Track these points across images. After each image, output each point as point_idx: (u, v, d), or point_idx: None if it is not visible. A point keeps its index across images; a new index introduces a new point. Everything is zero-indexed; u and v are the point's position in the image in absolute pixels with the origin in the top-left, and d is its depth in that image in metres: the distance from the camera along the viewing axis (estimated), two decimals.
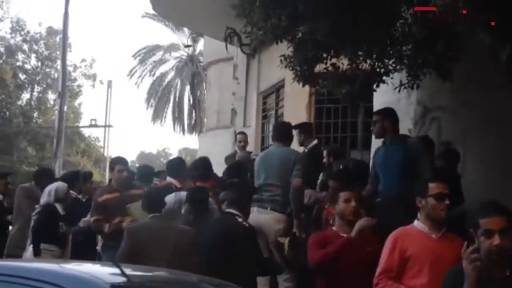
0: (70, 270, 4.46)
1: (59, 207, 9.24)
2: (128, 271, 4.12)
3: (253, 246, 7.30)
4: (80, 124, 50.30)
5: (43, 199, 9.32)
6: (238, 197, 7.54)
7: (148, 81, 48.48)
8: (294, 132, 9.93)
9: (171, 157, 9.41)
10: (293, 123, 10.08)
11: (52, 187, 9.40)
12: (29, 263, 4.73)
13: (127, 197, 8.96)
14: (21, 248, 9.34)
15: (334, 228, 6.63)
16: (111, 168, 9.61)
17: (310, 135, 10.50)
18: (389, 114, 8.11)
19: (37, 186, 10.37)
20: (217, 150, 15.82)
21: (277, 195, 8.69)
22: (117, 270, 4.07)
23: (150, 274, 4.87)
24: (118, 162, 9.54)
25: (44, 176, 10.55)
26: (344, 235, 6.36)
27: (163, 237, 7.11)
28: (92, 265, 5.47)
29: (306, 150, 10.12)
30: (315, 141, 10.46)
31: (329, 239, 6.43)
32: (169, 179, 9.42)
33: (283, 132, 9.31)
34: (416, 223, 5.80)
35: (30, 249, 8.88)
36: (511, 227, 4.49)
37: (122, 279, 3.98)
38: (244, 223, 7.36)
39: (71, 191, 9.81)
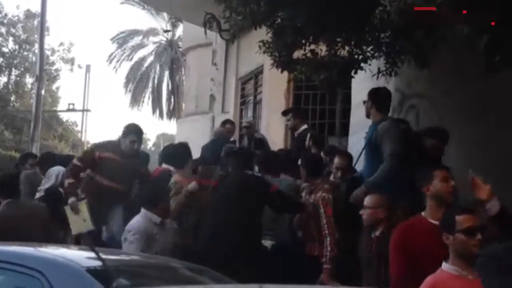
0: (47, 254, 4.47)
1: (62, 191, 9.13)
2: (104, 255, 4.13)
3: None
4: (58, 108, 50.05)
5: (47, 183, 9.22)
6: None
7: (126, 65, 48.32)
8: (285, 118, 10.07)
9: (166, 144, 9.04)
10: (271, 110, 10.17)
11: (56, 171, 9.30)
12: (7, 247, 4.70)
13: (129, 166, 8.85)
14: None
15: (423, 214, 5.65)
16: (125, 134, 9.05)
17: (301, 120, 10.63)
18: (372, 95, 7.97)
19: (41, 171, 10.21)
20: (195, 135, 15.81)
21: None
22: (93, 254, 4.08)
23: (126, 258, 4.89)
24: (133, 132, 9.08)
25: (49, 161, 10.36)
26: (437, 222, 5.29)
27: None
28: (69, 249, 5.48)
29: (296, 135, 10.22)
30: (305, 126, 10.59)
31: (419, 232, 5.48)
32: (164, 166, 9.23)
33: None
34: (444, 266, 4.85)
35: None
36: None
37: (97, 263, 3.98)
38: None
39: None
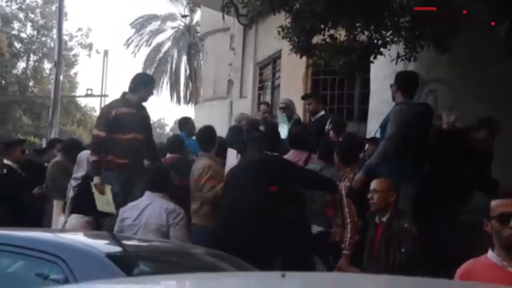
0: (67, 240, 4.49)
1: None
2: (124, 241, 4.14)
3: None
4: (76, 94, 50.23)
5: (80, 171, 9.19)
6: None
7: (145, 51, 48.42)
8: (306, 102, 10.12)
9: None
10: (289, 95, 10.13)
11: (85, 156, 9.28)
12: (27, 233, 4.73)
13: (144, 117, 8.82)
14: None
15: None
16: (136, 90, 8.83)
17: (321, 105, 10.58)
18: (399, 78, 7.71)
19: (67, 158, 9.98)
20: (213, 120, 15.81)
21: None
22: (113, 240, 4.09)
23: (146, 244, 4.90)
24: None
25: (74, 148, 10.23)
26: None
27: None
28: (89, 235, 5.50)
29: (313, 119, 10.25)
30: (322, 112, 10.51)
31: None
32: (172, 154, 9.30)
33: None
34: (489, 254, 4.45)
35: (69, 220, 8.76)
36: None
37: (118, 249, 4.00)
38: None
39: None
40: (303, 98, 11.23)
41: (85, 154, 9.32)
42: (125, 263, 3.79)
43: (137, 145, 8.56)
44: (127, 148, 8.42)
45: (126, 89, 8.75)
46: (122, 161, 8.42)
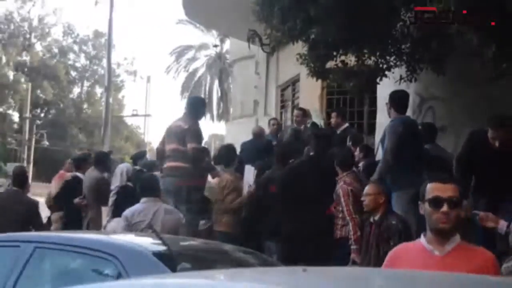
0: (120, 240, 4.54)
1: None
2: (168, 240, 4.16)
3: None
4: (124, 114, 50.56)
5: (116, 182, 9.19)
6: None
7: (182, 75, 48.65)
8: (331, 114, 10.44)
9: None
10: (308, 112, 10.19)
11: (121, 168, 9.27)
12: (84, 234, 4.79)
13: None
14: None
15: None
16: None
17: (343, 119, 10.58)
18: (391, 97, 7.63)
19: (98, 168, 9.69)
20: (241, 136, 15.85)
21: None
22: (158, 240, 4.11)
23: (187, 243, 4.91)
24: None
25: (104, 159, 9.99)
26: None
27: None
28: (136, 235, 5.53)
29: (338, 132, 10.18)
30: (346, 125, 10.55)
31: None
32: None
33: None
34: (422, 237, 3.85)
35: (112, 223, 8.79)
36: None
37: (162, 248, 4.02)
38: None
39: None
40: (328, 113, 11.20)
41: (121, 167, 9.37)
42: (170, 260, 3.82)
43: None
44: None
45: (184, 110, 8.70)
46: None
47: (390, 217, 6.34)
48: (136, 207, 6.93)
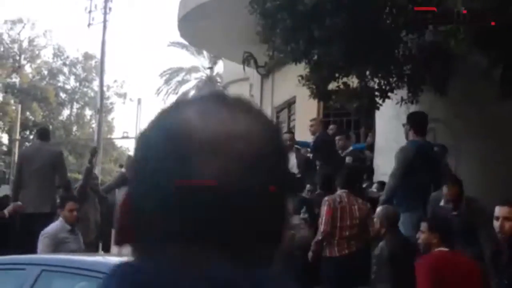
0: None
1: None
2: None
3: None
4: (113, 136, 50.44)
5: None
6: None
7: (172, 98, 48.56)
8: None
9: None
10: (303, 134, 10.18)
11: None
12: (94, 258, 4.68)
13: None
14: None
15: None
16: None
17: (348, 141, 11.11)
18: (409, 118, 7.64)
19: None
20: None
21: None
22: None
23: None
24: None
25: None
26: None
27: None
28: None
29: (343, 154, 10.55)
30: (351, 148, 10.99)
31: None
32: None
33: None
34: None
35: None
36: None
37: None
38: None
39: None
40: (333, 135, 11.29)
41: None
42: None
43: None
44: None
45: None
46: None
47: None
48: None
